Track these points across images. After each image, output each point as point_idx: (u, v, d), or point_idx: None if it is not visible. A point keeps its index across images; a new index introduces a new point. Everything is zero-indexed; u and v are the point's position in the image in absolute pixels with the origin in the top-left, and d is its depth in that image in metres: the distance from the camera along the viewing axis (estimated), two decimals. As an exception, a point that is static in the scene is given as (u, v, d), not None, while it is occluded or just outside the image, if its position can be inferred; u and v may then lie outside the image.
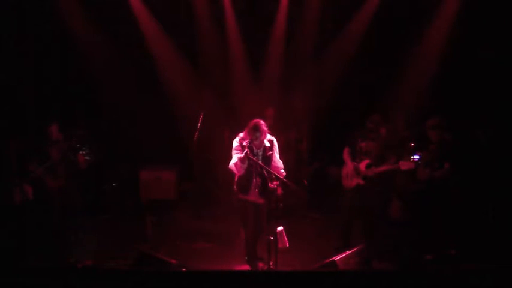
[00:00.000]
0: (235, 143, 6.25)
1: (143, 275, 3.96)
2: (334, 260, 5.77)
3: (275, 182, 5.85)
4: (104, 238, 7.45)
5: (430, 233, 7.06)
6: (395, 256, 6.97)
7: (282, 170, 6.29)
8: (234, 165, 6.19)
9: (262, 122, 6.21)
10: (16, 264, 6.31)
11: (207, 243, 7.38)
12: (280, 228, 5.88)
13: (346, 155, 7.18)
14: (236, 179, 6.40)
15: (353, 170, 7.03)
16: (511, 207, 7.57)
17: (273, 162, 6.29)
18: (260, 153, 6.26)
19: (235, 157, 6.16)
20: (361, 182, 6.96)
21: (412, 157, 8.06)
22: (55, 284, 3.83)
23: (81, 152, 7.22)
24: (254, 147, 6.18)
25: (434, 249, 6.94)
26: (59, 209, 6.94)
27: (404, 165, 6.90)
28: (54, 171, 6.97)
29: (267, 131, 6.26)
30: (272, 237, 5.86)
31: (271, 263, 5.92)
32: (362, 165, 6.98)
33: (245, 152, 5.94)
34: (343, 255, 5.90)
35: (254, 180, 6.24)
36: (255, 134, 6.12)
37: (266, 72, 9.66)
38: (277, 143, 6.45)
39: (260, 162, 6.12)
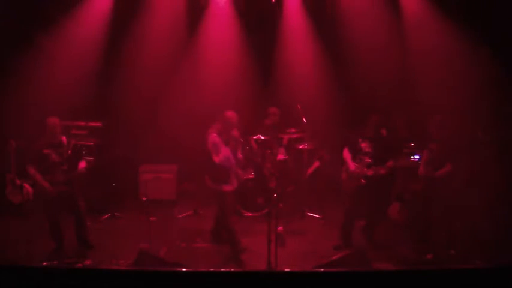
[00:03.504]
0: (215, 137, 6.65)
1: (143, 275, 3.95)
2: (334, 260, 5.78)
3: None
4: (104, 238, 7.44)
5: (430, 233, 7.07)
6: (395, 256, 6.98)
7: None
8: (225, 159, 6.60)
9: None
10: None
11: (207, 243, 7.38)
12: (280, 228, 5.88)
13: (346, 155, 7.18)
14: (216, 172, 6.73)
15: (353, 170, 7.04)
16: (510, 206, 7.57)
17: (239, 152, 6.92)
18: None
19: (224, 151, 6.58)
20: (361, 181, 6.97)
21: (412, 157, 8.09)
22: (55, 284, 3.82)
23: (83, 158, 7.11)
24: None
25: (434, 249, 6.95)
26: (58, 211, 6.90)
27: (403, 163, 6.90)
28: (53, 176, 6.75)
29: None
30: (272, 237, 5.86)
31: (271, 262, 5.92)
32: (362, 165, 6.98)
33: (250, 147, 6.35)
34: (343, 255, 5.91)
35: (234, 170, 6.84)
36: (234, 125, 6.68)
37: (269, 71, 9.67)
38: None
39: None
